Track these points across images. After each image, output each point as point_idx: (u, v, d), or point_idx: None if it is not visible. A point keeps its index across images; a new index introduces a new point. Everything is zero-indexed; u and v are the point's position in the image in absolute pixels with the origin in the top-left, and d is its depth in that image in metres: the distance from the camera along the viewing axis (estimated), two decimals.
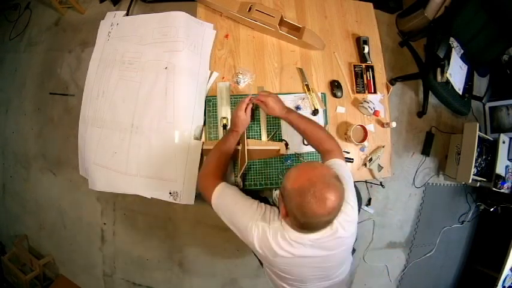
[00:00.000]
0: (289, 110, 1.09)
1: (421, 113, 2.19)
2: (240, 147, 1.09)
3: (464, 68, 1.84)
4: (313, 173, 0.72)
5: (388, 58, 2.17)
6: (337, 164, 0.91)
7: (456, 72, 1.77)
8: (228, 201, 0.88)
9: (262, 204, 0.86)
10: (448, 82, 1.73)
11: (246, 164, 1.05)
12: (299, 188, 0.70)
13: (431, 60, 1.71)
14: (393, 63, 2.22)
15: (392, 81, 2.12)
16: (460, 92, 1.80)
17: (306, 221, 0.72)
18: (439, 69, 1.67)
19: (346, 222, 0.81)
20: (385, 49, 2.17)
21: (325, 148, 0.99)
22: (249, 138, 1.22)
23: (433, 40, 1.77)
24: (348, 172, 0.91)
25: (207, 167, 0.99)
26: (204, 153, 1.16)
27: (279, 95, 1.25)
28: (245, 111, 1.05)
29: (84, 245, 2.07)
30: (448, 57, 1.69)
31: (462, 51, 1.81)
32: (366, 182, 2.08)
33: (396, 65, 2.23)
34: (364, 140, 1.24)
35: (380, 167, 1.30)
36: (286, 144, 1.23)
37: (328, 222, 0.75)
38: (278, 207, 0.83)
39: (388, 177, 1.39)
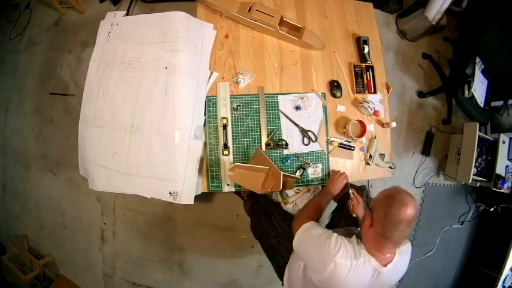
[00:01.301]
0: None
1: (445, 121, 2.26)
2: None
3: (485, 82, 1.96)
4: (399, 188, 0.88)
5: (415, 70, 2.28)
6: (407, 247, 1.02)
7: (479, 87, 1.89)
8: (308, 236, 0.99)
9: (339, 238, 0.93)
10: (472, 97, 1.85)
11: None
12: (389, 195, 0.86)
13: (458, 77, 1.83)
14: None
15: (420, 95, 2.25)
16: (482, 105, 1.92)
17: (388, 226, 0.83)
18: (466, 86, 1.78)
19: (401, 262, 0.94)
20: (386, 49, 2.19)
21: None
22: (248, 137, 1.22)
23: (459, 58, 1.92)
24: None
25: (303, 211, 1.13)
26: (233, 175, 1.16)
27: (278, 96, 1.26)
28: (342, 178, 1.19)
29: (84, 245, 2.07)
30: (472, 73, 1.82)
31: (483, 66, 1.91)
32: (368, 181, 2.08)
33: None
34: (362, 134, 1.24)
35: (382, 155, 1.31)
36: (286, 144, 1.23)
37: (404, 234, 0.84)
38: (357, 237, 0.95)
39: (388, 177, 1.39)
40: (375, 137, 1.31)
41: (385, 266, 0.88)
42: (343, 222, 1.24)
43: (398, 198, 0.83)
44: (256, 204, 1.32)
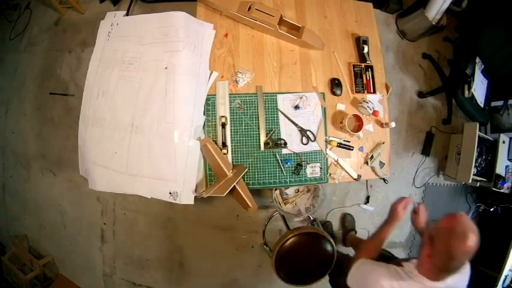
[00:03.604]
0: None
1: (445, 121, 2.26)
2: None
3: (485, 82, 1.96)
4: (462, 219, 0.85)
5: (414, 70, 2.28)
6: None
7: (479, 87, 1.89)
8: (362, 272, 1.00)
9: (387, 265, 0.95)
10: (472, 97, 1.84)
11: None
12: (451, 227, 0.83)
13: (459, 77, 1.82)
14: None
15: (420, 95, 2.24)
16: (482, 105, 1.93)
17: (450, 261, 0.83)
18: (466, 86, 1.77)
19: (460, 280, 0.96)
20: (386, 49, 2.19)
21: None
22: (246, 136, 1.22)
23: (459, 58, 1.90)
24: None
25: (364, 249, 1.12)
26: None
27: (277, 95, 1.26)
28: (404, 208, 1.15)
29: (84, 245, 2.07)
30: (472, 73, 1.82)
31: (483, 66, 1.91)
32: (366, 181, 2.09)
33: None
34: (359, 129, 1.24)
35: (382, 164, 1.31)
36: (285, 144, 1.23)
37: (463, 264, 0.86)
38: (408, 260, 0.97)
39: (388, 177, 1.39)
40: (383, 143, 1.31)
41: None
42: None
43: (460, 231, 0.81)
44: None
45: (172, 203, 1.14)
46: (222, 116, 1.21)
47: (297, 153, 1.24)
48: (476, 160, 1.88)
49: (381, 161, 1.31)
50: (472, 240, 0.80)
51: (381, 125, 1.34)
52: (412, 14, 2.12)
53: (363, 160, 1.31)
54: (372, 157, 1.29)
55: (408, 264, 0.95)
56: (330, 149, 1.28)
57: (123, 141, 1.17)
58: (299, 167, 1.24)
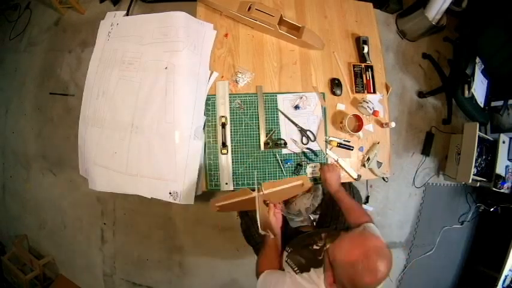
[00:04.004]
0: (339, 187, 1.15)
1: (445, 121, 2.25)
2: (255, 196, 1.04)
3: (485, 82, 1.95)
4: (368, 245, 0.73)
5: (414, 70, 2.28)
6: (372, 227, 0.98)
7: (479, 87, 1.88)
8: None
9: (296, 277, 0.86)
10: (472, 97, 1.84)
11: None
12: (353, 262, 0.70)
13: (458, 77, 1.82)
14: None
15: (420, 95, 2.24)
16: (482, 105, 1.92)
17: None
18: (466, 86, 1.77)
19: None
20: (386, 49, 2.19)
21: (361, 222, 1.02)
22: (246, 136, 1.22)
23: (459, 58, 1.89)
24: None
25: (259, 260, 1.03)
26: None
27: (277, 95, 1.26)
28: (274, 215, 1.10)
29: (84, 245, 2.07)
30: (472, 73, 1.81)
31: (483, 66, 1.91)
32: (366, 181, 2.08)
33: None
34: (359, 129, 1.23)
35: (379, 163, 1.30)
36: (285, 143, 1.23)
37: None
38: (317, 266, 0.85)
39: (388, 176, 1.39)
40: (378, 143, 1.31)
41: None
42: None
43: (366, 267, 0.69)
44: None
45: (172, 203, 1.14)
46: (222, 116, 1.21)
47: (296, 153, 1.24)
48: (476, 160, 1.88)
49: (378, 161, 1.30)
50: (382, 270, 0.69)
51: (381, 125, 1.34)
52: (412, 14, 2.12)
53: (360, 163, 1.30)
54: (368, 159, 1.28)
55: (316, 274, 0.84)
56: (330, 149, 1.28)
57: (123, 141, 1.17)
58: (299, 166, 1.24)
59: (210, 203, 1.11)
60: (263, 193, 1.05)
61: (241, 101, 1.24)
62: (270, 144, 1.22)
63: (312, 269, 0.86)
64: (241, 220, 1.33)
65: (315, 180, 1.26)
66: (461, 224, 2.22)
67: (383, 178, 1.80)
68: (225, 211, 1.10)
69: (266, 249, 1.03)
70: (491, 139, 2.00)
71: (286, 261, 0.95)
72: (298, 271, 0.89)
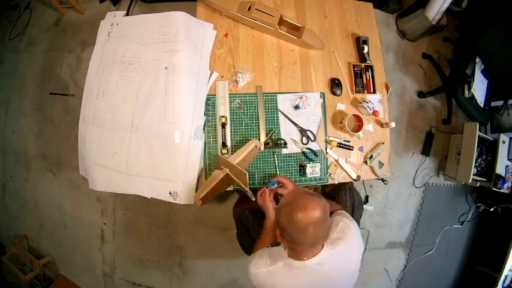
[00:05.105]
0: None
1: (445, 121, 2.25)
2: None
3: (485, 82, 1.95)
4: (297, 191, 0.91)
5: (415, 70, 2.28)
6: (338, 212, 1.03)
7: (479, 87, 1.88)
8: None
9: (263, 252, 0.96)
10: (472, 97, 1.84)
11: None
12: (286, 203, 0.87)
13: (458, 77, 1.82)
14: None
15: (420, 95, 2.24)
16: (482, 105, 1.92)
17: (295, 234, 0.82)
18: (466, 86, 1.77)
19: (347, 253, 0.92)
20: (386, 49, 2.19)
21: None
22: (247, 136, 1.22)
23: (459, 58, 1.89)
24: (350, 218, 1.01)
25: (256, 245, 1.10)
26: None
27: (277, 95, 1.26)
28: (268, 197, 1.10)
29: (84, 245, 2.07)
30: (472, 73, 1.81)
31: (483, 66, 1.91)
32: (363, 182, 2.08)
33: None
34: (359, 129, 1.24)
35: (381, 164, 1.31)
36: (285, 143, 1.23)
37: (315, 242, 0.85)
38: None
39: (388, 176, 1.39)
40: (383, 143, 1.32)
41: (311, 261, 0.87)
42: None
43: (296, 205, 0.82)
44: (241, 214, 1.31)
45: (172, 203, 1.14)
46: (222, 116, 1.21)
47: (296, 153, 1.25)
48: (476, 160, 1.88)
49: (380, 161, 1.31)
50: (311, 209, 0.80)
51: (381, 125, 1.34)
52: (412, 14, 2.12)
53: (362, 159, 1.31)
54: (371, 157, 1.29)
55: (276, 249, 0.96)
56: (330, 149, 1.28)
57: (123, 141, 1.17)
58: (302, 167, 1.24)
59: (193, 199, 1.09)
60: (234, 163, 1.06)
61: (241, 101, 1.24)
62: (270, 144, 1.22)
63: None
64: (236, 224, 1.37)
65: (316, 180, 1.26)
66: (461, 224, 2.22)
67: (382, 180, 1.80)
68: (208, 200, 1.08)
69: (264, 234, 1.07)
70: (491, 139, 2.00)
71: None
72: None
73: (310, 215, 0.79)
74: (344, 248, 0.90)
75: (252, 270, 0.92)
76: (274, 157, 1.23)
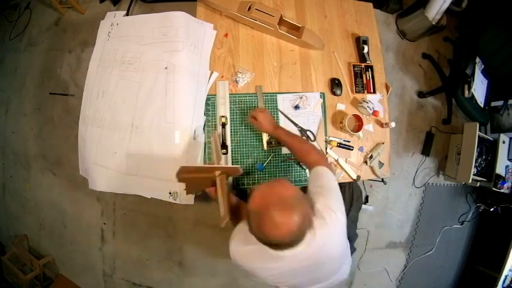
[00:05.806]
0: (277, 126, 1.13)
1: (445, 121, 2.26)
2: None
3: (485, 82, 1.95)
4: (271, 195, 0.71)
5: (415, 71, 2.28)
6: (319, 172, 0.92)
7: (478, 87, 1.89)
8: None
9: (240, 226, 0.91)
10: (472, 96, 1.84)
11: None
12: (257, 211, 0.71)
13: (459, 77, 1.82)
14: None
15: (420, 95, 2.24)
16: (482, 105, 1.92)
17: (267, 241, 0.72)
18: (466, 86, 1.77)
19: (329, 235, 0.79)
20: (386, 49, 2.19)
21: (310, 160, 1.01)
22: (247, 136, 1.22)
23: (459, 58, 1.89)
24: (330, 179, 0.90)
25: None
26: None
27: (277, 95, 1.26)
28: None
29: (84, 244, 2.07)
30: (472, 73, 1.82)
31: (483, 66, 1.91)
32: (363, 182, 2.08)
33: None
34: (359, 129, 1.23)
35: (381, 164, 1.31)
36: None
37: (294, 242, 0.73)
38: None
39: (388, 177, 1.39)
40: (383, 143, 1.31)
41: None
42: None
43: (268, 217, 0.67)
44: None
45: (172, 203, 1.14)
46: (222, 116, 1.21)
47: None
48: (476, 160, 1.88)
49: (380, 161, 1.31)
50: (286, 223, 0.67)
51: (381, 125, 1.34)
52: (412, 14, 2.13)
53: (362, 159, 1.31)
54: (371, 157, 1.29)
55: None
56: (330, 149, 1.28)
57: (123, 141, 1.17)
58: (302, 167, 1.24)
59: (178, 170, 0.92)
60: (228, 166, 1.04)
61: (241, 101, 1.24)
62: (273, 143, 1.22)
63: None
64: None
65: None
66: (461, 224, 2.22)
67: (382, 180, 1.80)
68: (185, 182, 0.98)
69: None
70: (491, 139, 2.01)
71: None
72: None
73: (283, 230, 0.68)
74: (325, 231, 0.78)
75: (230, 246, 0.87)
76: (274, 157, 1.23)
